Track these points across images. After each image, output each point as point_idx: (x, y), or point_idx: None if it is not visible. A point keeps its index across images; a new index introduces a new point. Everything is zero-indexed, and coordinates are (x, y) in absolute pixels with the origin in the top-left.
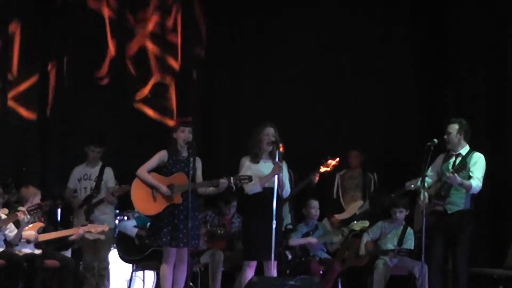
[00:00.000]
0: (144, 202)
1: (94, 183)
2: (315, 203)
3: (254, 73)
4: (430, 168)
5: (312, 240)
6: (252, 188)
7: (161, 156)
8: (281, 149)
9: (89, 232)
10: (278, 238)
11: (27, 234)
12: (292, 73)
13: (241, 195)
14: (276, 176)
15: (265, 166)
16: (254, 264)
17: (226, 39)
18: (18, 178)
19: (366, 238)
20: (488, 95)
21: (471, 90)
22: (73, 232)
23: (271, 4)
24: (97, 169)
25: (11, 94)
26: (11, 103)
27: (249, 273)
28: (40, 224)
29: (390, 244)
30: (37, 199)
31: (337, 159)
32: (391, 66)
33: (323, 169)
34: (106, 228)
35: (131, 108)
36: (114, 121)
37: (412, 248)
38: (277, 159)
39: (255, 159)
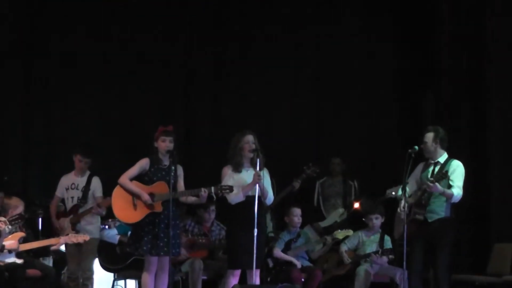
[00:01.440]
0: (125, 210)
1: (81, 193)
2: (297, 211)
3: (236, 81)
4: (409, 177)
5: (297, 263)
6: (235, 198)
7: (143, 164)
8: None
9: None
10: (260, 246)
11: (9, 244)
12: (274, 81)
13: (224, 204)
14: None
15: (247, 175)
16: (238, 272)
17: (209, 47)
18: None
19: (343, 248)
20: (468, 102)
21: (452, 97)
22: (55, 242)
23: (255, 14)
24: (84, 178)
25: None
26: None
27: (233, 281)
28: (21, 234)
29: (370, 252)
30: (19, 210)
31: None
32: (372, 74)
33: (304, 176)
34: (87, 238)
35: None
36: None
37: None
38: (258, 167)
39: (237, 168)
